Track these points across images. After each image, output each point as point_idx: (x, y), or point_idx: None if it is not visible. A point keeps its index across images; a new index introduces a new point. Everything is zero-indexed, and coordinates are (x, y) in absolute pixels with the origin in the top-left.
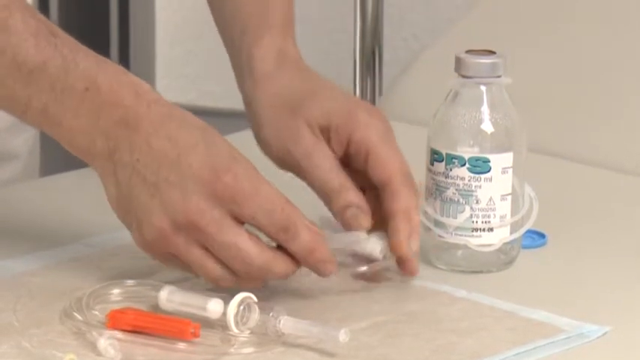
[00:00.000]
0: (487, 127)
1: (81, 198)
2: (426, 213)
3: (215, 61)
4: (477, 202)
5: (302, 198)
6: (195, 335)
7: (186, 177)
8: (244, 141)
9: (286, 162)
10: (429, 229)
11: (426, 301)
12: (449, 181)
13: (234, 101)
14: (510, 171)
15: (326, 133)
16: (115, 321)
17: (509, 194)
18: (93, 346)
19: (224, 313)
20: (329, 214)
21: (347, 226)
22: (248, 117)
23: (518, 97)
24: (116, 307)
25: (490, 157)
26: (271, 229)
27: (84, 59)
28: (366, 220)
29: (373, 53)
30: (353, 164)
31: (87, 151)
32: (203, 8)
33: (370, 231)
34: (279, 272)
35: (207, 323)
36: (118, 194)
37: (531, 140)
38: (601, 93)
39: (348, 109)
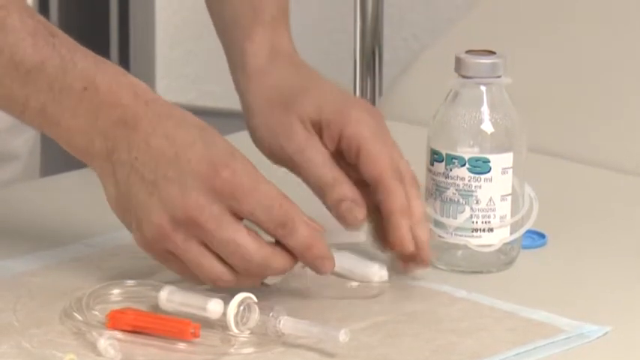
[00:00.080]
0: (487, 127)
1: (81, 198)
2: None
3: (215, 61)
4: (477, 203)
5: (299, 195)
6: (195, 335)
7: (185, 173)
8: (244, 141)
9: (280, 157)
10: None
11: (426, 301)
12: (449, 181)
13: (234, 101)
14: (510, 171)
15: (318, 129)
16: (115, 321)
17: (509, 194)
18: (93, 347)
19: (224, 314)
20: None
21: (342, 220)
22: (243, 112)
23: (518, 97)
24: (116, 307)
25: (490, 157)
26: (269, 225)
27: (82, 59)
28: (361, 213)
29: (373, 53)
30: (345, 160)
31: (85, 151)
32: (203, 9)
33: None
34: (278, 268)
35: (207, 323)
36: (117, 194)
37: (531, 140)
38: (601, 93)
39: (340, 105)
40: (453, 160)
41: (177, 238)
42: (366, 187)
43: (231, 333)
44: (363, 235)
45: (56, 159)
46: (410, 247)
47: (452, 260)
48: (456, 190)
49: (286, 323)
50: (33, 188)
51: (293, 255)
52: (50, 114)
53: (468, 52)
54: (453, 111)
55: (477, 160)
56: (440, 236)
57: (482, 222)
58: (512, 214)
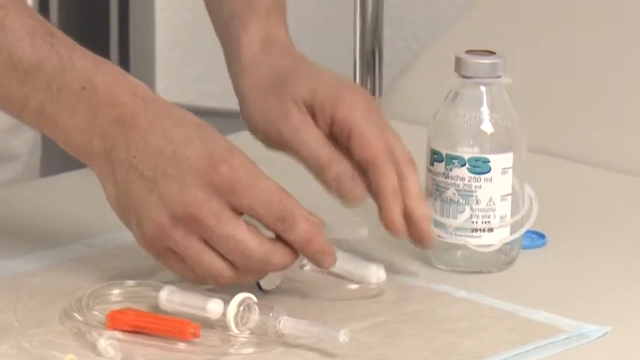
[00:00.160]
0: (487, 127)
1: (81, 198)
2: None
3: (215, 61)
4: (477, 203)
5: (300, 190)
6: (195, 335)
7: (184, 169)
8: (244, 141)
9: (276, 141)
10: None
11: (426, 301)
12: (449, 181)
13: (234, 102)
14: (510, 171)
15: (311, 112)
16: (115, 321)
17: (509, 194)
18: (93, 347)
19: (224, 314)
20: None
21: (341, 195)
22: (238, 104)
23: (518, 97)
24: (116, 307)
25: (490, 157)
26: (269, 220)
27: (80, 59)
28: (359, 187)
29: (373, 53)
30: (338, 144)
31: (84, 150)
32: (202, 9)
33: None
34: (278, 263)
35: (207, 323)
36: (116, 192)
37: (531, 140)
38: (601, 93)
39: (333, 88)
40: (453, 160)
41: (177, 235)
42: (362, 172)
43: (231, 333)
44: (364, 230)
45: (56, 159)
46: (402, 232)
47: (452, 260)
48: (456, 190)
49: (286, 323)
50: (33, 188)
51: (294, 250)
52: (48, 113)
53: (467, 52)
54: (453, 111)
55: (477, 160)
56: (440, 236)
57: (482, 222)
58: (512, 214)
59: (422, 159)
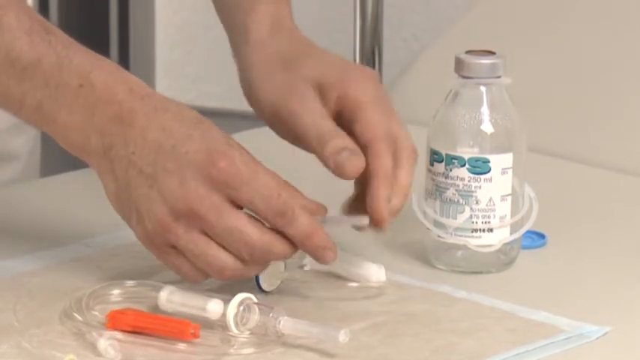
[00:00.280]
0: (487, 127)
1: (81, 198)
2: (425, 213)
3: (215, 61)
4: (477, 203)
5: (302, 187)
6: (195, 336)
7: (183, 164)
8: (244, 141)
9: (279, 115)
10: (428, 230)
11: (426, 301)
12: (449, 181)
13: (234, 102)
14: (510, 171)
15: (319, 90)
16: (115, 321)
17: (509, 195)
18: (93, 347)
19: (224, 314)
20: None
21: (339, 169)
22: (242, 85)
23: (518, 97)
24: (116, 307)
25: (490, 157)
26: (268, 214)
27: (78, 56)
28: (359, 161)
29: (373, 53)
30: (342, 124)
31: (82, 148)
32: (203, 9)
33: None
34: (279, 253)
35: (207, 324)
36: (116, 189)
37: (531, 140)
38: (601, 93)
39: (342, 70)
40: (453, 161)
41: (179, 230)
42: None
43: (231, 333)
44: (365, 219)
45: (56, 159)
46: (383, 219)
47: (452, 260)
48: (456, 190)
49: (286, 324)
50: (33, 188)
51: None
52: (46, 111)
53: (467, 52)
54: (452, 111)
55: (477, 160)
56: (440, 236)
57: (482, 222)
58: (512, 215)
59: (422, 159)
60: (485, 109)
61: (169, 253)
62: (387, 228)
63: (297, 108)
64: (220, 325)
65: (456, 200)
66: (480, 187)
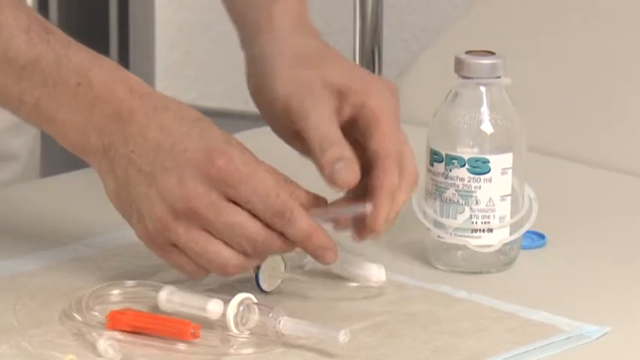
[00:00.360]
0: (487, 127)
1: (81, 198)
2: (425, 213)
3: (215, 61)
4: (477, 203)
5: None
6: (195, 336)
7: (182, 163)
8: (244, 141)
9: (288, 109)
10: (428, 230)
11: (426, 301)
12: (448, 181)
13: (234, 102)
14: (510, 172)
15: (337, 95)
16: (115, 322)
17: (508, 195)
18: (93, 347)
19: (224, 314)
20: None
21: (331, 178)
22: (251, 72)
23: (518, 98)
24: (116, 307)
25: (490, 157)
26: (266, 214)
27: (76, 54)
28: (353, 175)
29: (373, 54)
30: (352, 133)
31: (82, 147)
32: (202, 9)
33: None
34: (282, 243)
35: (207, 324)
36: (116, 188)
37: (531, 140)
38: (601, 93)
39: (364, 77)
40: (453, 161)
41: (179, 229)
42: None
43: (230, 333)
44: (368, 206)
45: (56, 159)
46: (378, 233)
47: (451, 261)
48: (456, 190)
49: (286, 324)
50: (33, 188)
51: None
52: (45, 110)
53: (467, 52)
54: (452, 111)
55: (477, 160)
56: (439, 237)
57: (482, 222)
58: (512, 215)
59: (422, 159)
60: (485, 110)
61: (170, 251)
62: (377, 238)
63: (309, 106)
64: (220, 325)
65: (455, 200)
66: (479, 188)
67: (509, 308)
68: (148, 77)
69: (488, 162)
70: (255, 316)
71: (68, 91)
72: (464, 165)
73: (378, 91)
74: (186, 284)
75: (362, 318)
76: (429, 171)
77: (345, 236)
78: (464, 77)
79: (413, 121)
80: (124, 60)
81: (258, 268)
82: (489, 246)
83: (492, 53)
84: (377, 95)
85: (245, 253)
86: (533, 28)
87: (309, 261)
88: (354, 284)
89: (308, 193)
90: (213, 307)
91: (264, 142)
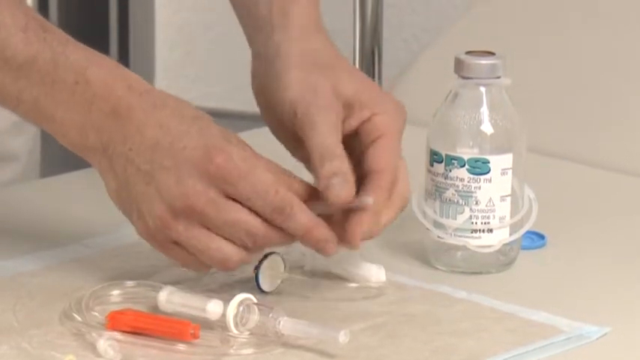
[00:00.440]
0: (487, 128)
1: (81, 198)
2: (425, 214)
3: (215, 61)
4: (477, 203)
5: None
6: (195, 336)
7: (180, 161)
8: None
9: (294, 112)
10: (428, 230)
11: (426, 302)
12: (448, 182)
13: (234, 102)
14: (510, 172)
15: (347, 105)
16: (115, 322)
17: (508, 195)
18: (92, 347)
19: (223, 314)
20: None
21: (325, 191)
22: (258, 70)
23: (518, 98)
24: (116, 308)
25: (490, 158)
26: (266, 210)
27: (75, 53)
28: (347, 193)
29: (373, 54)
30: (352, 143)
31: (81, 145)
32: (202, 9)
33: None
34: (283, 236)
35: (207, 324)
36: (117, 186)
37: (531, 141)
38: (601, 93)
39: (375, 92)
40: (453, 161)
41: (179, 227)
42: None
43: (230, 334)
44: (369, 199)
45: (56, 159)
46: (355, 247)
47: (451, 261)
48: (456, 190)
49: (286, 324)
50: (33, 188)
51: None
52: (44, 108)
53: (467, 53)
54: (452, 112)
55: (477, 160)
56: (439, 237)
57: (482, 223)
58: (512, 215)
59: (422, 159)
60: (484, 110)
61: (172, 248)
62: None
63: (315, 113)
64: (220, 325)
65: (455, 201)
66: (479, 188)
67: (509, 308)
68: (148, 77)
69: (488, 162)
70: (255, 317)
71: (66, 89)
72: (464, 165)
73: (386, 107)
74: (186, 284)
75: (362, 318)
76: (429, 171)
77: None
78: (464, 77)
79: (413, 121)
80: (124, 60)
81: (258, 268)
82: (489, 246)
83: (492, 53)
84: (384, 112)
85: (246, 247)
86: (533, 28)
87: (309, 261)
88: (353, 285)
89: (308, 185)
90: (213, 307)
91: (264, 142)
